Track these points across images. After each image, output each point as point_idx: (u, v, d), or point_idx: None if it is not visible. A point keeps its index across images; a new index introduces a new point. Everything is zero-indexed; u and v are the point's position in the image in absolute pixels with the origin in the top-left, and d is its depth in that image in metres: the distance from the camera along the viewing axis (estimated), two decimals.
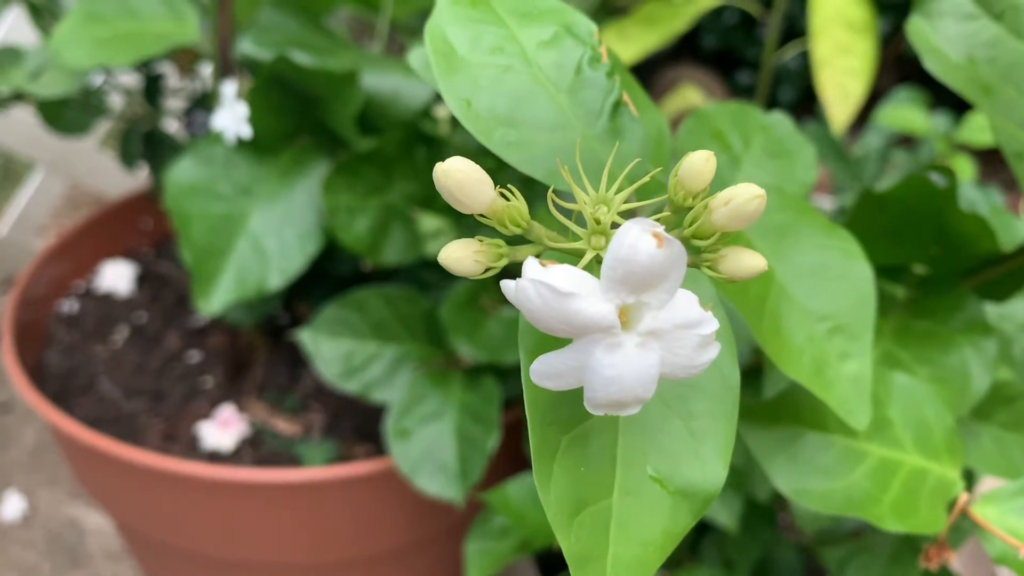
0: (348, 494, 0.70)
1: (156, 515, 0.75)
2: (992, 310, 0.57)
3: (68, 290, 0.92)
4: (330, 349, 0.68)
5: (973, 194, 0.86)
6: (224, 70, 0.69)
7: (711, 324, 0.21)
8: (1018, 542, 0.38)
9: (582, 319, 0.20)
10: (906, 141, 1.32)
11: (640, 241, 0.20)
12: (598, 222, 0.23)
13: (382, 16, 0.82)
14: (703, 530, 0.69)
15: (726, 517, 0.58)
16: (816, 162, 0.45)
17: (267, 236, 0.68)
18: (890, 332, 0.50)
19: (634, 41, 1.05)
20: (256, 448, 0.77)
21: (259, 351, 0.84)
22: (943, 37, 0.47)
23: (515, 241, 0.24)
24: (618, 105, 0.30)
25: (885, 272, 0.53)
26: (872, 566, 0.57)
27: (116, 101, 0.87)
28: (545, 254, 0.26)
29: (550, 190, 0.23)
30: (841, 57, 1.00)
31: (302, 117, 0.69)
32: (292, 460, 0.76)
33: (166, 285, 0.94)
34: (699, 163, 0.23)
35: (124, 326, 0.89)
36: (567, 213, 0.24)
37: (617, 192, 0.23)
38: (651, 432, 0.26)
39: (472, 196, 0.22)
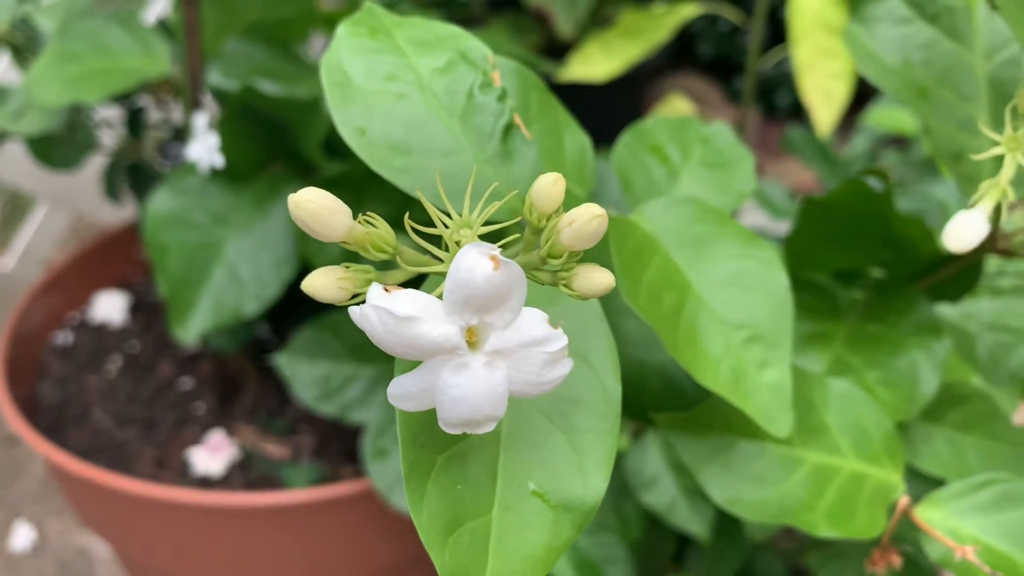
0: (333, 515, 0.71)
1: (149, 542, 0.76)
2: (956, 309, 0.57)
3: (62, 322, 0.94)
4: (307, 372, 0.69)
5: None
6: (195, 101, 0.71)
7: (558, 341, 0.22)
8: (956, 544, 0.38)
9: (425, 342, 0.21)
10: (897, 142, 1.31)
11: (477, 264, 0.20)
12: (459, 244, 0.23)
13: None
14: (686, 541, 0.69)
15: (698, 527, 0.59)
16: (753, 172, 0.45)
17: (242, 263, 0.69)
18: (843, 337, 0.50)
19: (618, 52, 1.06)
20: (246, 472, 0.78)
21: (249, 376, 0.85)
22: (879, 41, 0.47)
23: (386, 266, 0.24)
24: (509, 128, 0.30)
25: (841, 277, 0.53)
26: (845, 572, 0.57)
27: (107, 135, 0.89)
28: (432, 278, 0.26)
29: (406, 216, 0.23)
30: (823, 61, 1.00)
31: (274, 144, 0.71)
32: (282, 483, 0.77)
33: (158, 314, 0.95)
34: (547, 185, 0.23)
35: (117, 355, 0.90)
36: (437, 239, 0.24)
37: (481, 214, 0.24)
38: (534, 447, 0.26)
39: (327, 225, 0.23)
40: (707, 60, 1.79)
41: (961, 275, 0.49)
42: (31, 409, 0.83)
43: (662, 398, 0.57)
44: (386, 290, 0.21)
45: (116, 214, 1.22)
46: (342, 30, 0.32)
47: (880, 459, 0.41)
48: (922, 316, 0.48)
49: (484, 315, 0.21)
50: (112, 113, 0.88)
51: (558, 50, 1.41)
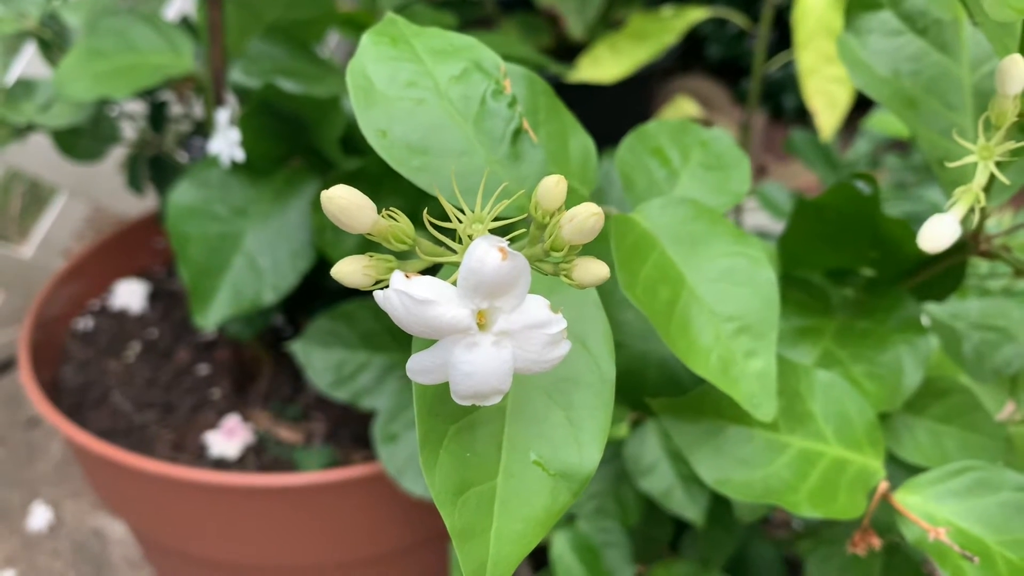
0: (344, 497, 0.74)
1: (166, 521, 0.79)
2: (945, 309, 0.60)
3: (84, 308, 0.97)
4: (321, 359, 0.71)
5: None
6: (218, 98, 0.73)
7: (558, 324, 0.24)
8: (931, 527, 0.41)
9: (440, 323, 0.24)
10: (898, 146, 1.33)
11: (487, 255, 0.23)
12: (471, 237, 0.26)
13: None
14: (683, 528, 0.72)
15: (693, 513, 0.61)
16: (749, 174, 0.48)
17: (261, 254, 0.72)
18: (832, 332, 0.52)
19: (626, 55, 1.09)
20: (260, 455, 0.81)
21: (264, 363, 0.88)
22: (870, 52, 0.50)
23: (405, 256, 0.27)
24: (518, 132, 0.33)
25: (834, 275, 0.56)
26: (832, 557, 0.59)
27: (129, 128, 0.92)
28: (447, 267, 0.29)
29: (424, 211, 0.26)
30: (827, 66, 1.02)
31: (293, 140, 0.73)
32: (294, 466, 0.80)
33: (177, 302, 0.98)
34: (551, 185, 0.26)
35: (136, 342, 0.93)
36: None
37: (492, 211, 0.26)
38: (535, 421, 0.29)
39: (355, 219, 0.26)
40: (715, 62, 1.81)
41: (946, 276, 0.52)
42: (54, 392, 0.86)
43: (660, 386, 0.59)
44: (406, 276, 0.23)
45: (133, 205, 1.25)
46: (366, 39, 0.35)
47: (862, 446, 0.44)
48: (908, 314, 0.51)
49: (493, 300, 0.24)
50: (135, 107, 0.91)
51: (569, 50, 1.44)
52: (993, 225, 0.65)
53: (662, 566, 0.67)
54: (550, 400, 0.29)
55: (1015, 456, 0.57)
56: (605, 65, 1.09)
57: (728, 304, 0.38)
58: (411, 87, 0.33)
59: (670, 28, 1.06)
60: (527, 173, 0.33)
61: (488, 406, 0.28)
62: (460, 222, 0.26)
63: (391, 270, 0.26)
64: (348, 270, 0.26)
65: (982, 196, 0.37)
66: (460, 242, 0.27)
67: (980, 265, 0.62)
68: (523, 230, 0.28)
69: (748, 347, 0.38)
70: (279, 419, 0.84)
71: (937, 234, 0.36)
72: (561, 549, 0.64)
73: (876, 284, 0.54)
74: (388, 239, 0.26)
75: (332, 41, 1.31)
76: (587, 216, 0.25)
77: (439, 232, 0.27)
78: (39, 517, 1.09)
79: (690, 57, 1.87)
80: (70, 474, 1.16)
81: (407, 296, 0.23)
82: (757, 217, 1.22)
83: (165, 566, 0.91)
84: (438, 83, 0.34)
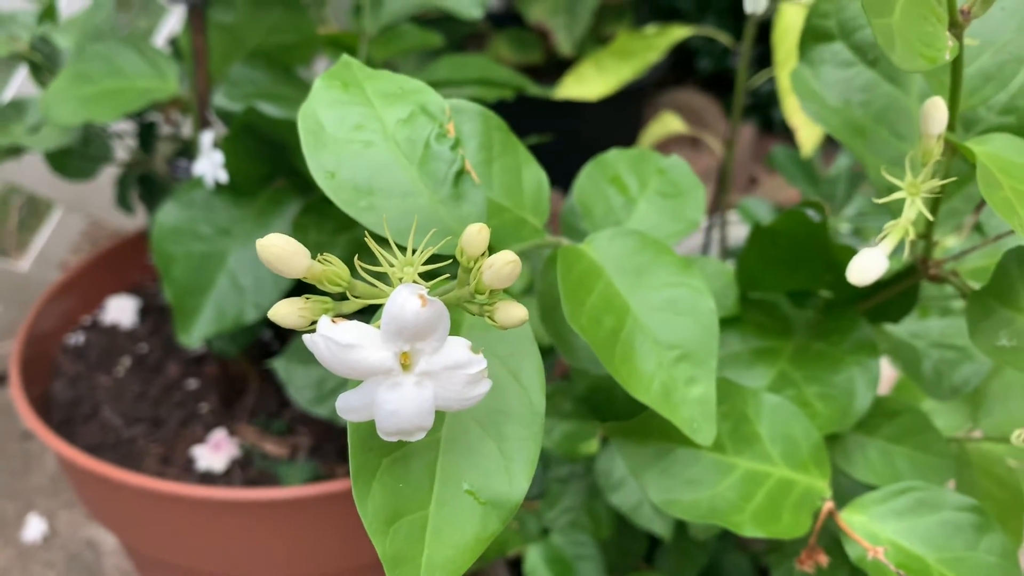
0: (326, 511, 0.75)
1: (154, 534, 0.81)
2: (905, 329, 0.61)
3: (76, 324, 0.99)
4: (302, 376, 0.73)
5: None
6: (202, 121, 0.75)
7: (478, 365, 0.26)
8: (872, 546, 0.42)
9: (364, 366, 0.25)
10: None
11: (407, 302, 0.25)
12: (401, 280, 0.28)
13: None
14: (657, 541, 0.73)
15: (661, 528, 0.63)
16: (704, 202, 0.50)
17: (244, 273, 0.73)
18: (789, 353, 0.54)
19: (611, 72, 1.10)
20: (245, 469, 0.83)
21: (251, 379, 0.90)
22: (823, 83, 0.51)
23: (342, 297, 0.29)
24: (460, 173, 0.35)
25: (793, 297, 0.57)
26: (798, 573, 0.61)
27: (120, 147, 0.94)
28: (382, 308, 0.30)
29: (355, 257, 0.28)
30: None
31: (276, 162, 0.75)
32: (279, 480, 0.81)
33: (167, 317, 1.00)
34: (474, 234, 0.28)
35: (127, 357, 0.95)
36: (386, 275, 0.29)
37: (424, 253, 0.28)
38: (468, 452, 0.31)
39: (289, 265, 0.27)
40: (706, 75, 1.83)
41: (900, 298, 0.53)
42: (45, 406, 0.88)
43: (630, 405, 0.61)
44: (333, 321, 0.25)
45: (129, 219, 1.27)
46: (318, 83, 0.36)
47: (808, 467, 0.45)
48: (861, 336, 0.53)
49: (415, 343, 0.26)
50: (126, 127, 0.93)
51: (559, 66, 1.45)
52: (954, 246, 0.66)
53: None
54: (483, 432, 0.31)
55: (972, 472, 0.58)
56: (590, 82, 1.10)
57: (670, 332, 0.40)
58: (359, 130, 0.35)
59: (654, 46, 1.07)
60: (468, 212, 0.35)
61: (423, 439, 0.30)
62: (392, 266, 0.28)
63: (327, 311, 0.28)
64: (284, 312, 0.28)
65: (911, 230, 0.39)
66: (392, 285, 0.28)
67: (945, 288, 0.64)
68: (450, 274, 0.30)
69: (689, 374, 0.40)
70: (265, 433, 0.86)
71: (864, 268, 0.37)
72: (535, 562, 0.66)
73: (833, 306, 0.56)
74: (323, 282, 0.28)
75: (320, 65, 1.32)
76: (504, 264, 0.27)
77: (374, 275, 0.28)
78: (34, 528, 1.10)
79: (682, 70, 1.88)
80: (65, 486, 1.18)
81: (332, 341, 0.25)
82: (741, 230, 1.23)
83: None
84: (386, 126, 0.35)
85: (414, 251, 0.28)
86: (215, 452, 0.84)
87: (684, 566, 0.69)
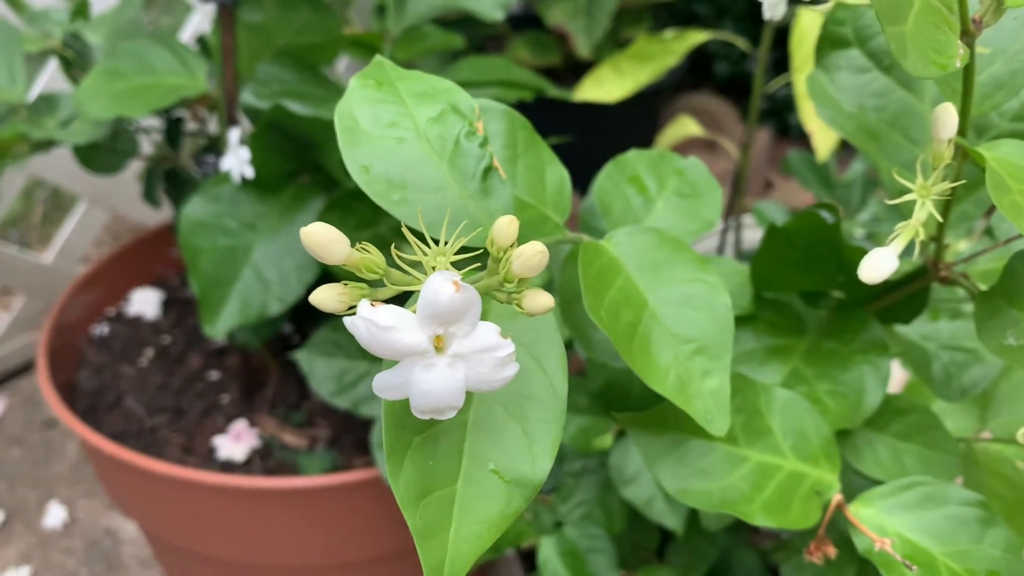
0: (344, 500, 0.77)
1: (174, 521, 0.82)
2: (916, 330, 0.62)
3: (101, 315, 1.01)
4: (324, 368, 0.75)
5: None
6: (230, 118, 0.77)
7: (507, 348, 0.28)
8: (879, 537, 0.44)
9: (401, 347, 0.27)
10: None
11: (442, 287, 0.26)
12: (434, 268, 0.29)
13: None
14: (668, 536, 0.74)
15: (673, 522, 0.64)
16: (720, 202, 0.51)
17: (268, 267, 0.75)
18: (801, 351, 0.55)
19: (629, 76, 1.12)
20: (265, 459, 0.85)
21: (271, 371, 0.92)
22: (838, 88, 0.53)
23: (378, 284, 0.30)
24: (489, 170, 0.36)
25: (807, 297, 0.59)
26: (807, 566, 0.62)
27: (146, 142, 0.96)
28: (415, 295, 0.32)
29: (392, 246, 0.29)
30: None
31: (301, 159, 0.77)
32: (297, 470, 0.83)
33: (190, 310, 1.02)
34: (504, 225, 0.29)
35: (150, 348, 0.97)
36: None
37: (455, 243, 0.30)
38: (494, 433, 0.32)
39: (330, 252, 0.29)
40: (723, 80, 1.84)
41: (910, 299, 0.55)
42: (70, 395, 0.90)
43: (645, 399, 0.62)
44: (372, 305, 0.27)
45: (150, 213, 1.30)
46: (354, 82, 0.38)
47: (818, 461, 0.47)
48: (872, 335, 0.54)
49: (448, 326, 0.27)
50: (153, 122, 0.95)
51: (577, 68, 1.47)
52: (965, 250, 0.67)
53: (646, 572, 0.70)
54: (508, 414, 0.32)
55: (979, 472, 0.60)
56: (608, 86, 1.12)
57: (687, 327, 0.41)
58: (393, 127, 0.37)
59: (672, 50, 1.09)
60: (496, 207, 0.36)
61: (452, 419, 0.32)
62: (425, 255, 0.29)
63: (363, 297, 0.30)
64: (324, 297, 0.29)
65: (921, 231, 0.40)
66: (426, 273, 0.30)
67: (957, 288, 0.65)
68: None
69: (704, 367, 0.41)
70: (285, 424, 0.88)
71: (876, 267, 0.39)
72: (548, 554, 0.67)
73: (845, 306, 0.57)
74: (360, 269, 0.30)
75: (342, 64, 1.34)
76: (533, 254, 0.28)
77: (408, 263, 0.30)
78: (54, 516, 1.13)
79: (700, 74, 1.90)
80: (85, 474, 1.20)
81: (371, 323, 0.26)
82: (756, 233, 1.25)
83: (174, 565, 0.94)
84: (418, 124, 0.37)
85: (446, 242, 0.30)
86: (235, 442, 0.85)
87: (695, 561, 0.71)
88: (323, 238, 0.29)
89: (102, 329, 1.00)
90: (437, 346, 0.28)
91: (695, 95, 1.77)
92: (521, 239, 0.42)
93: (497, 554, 0.69)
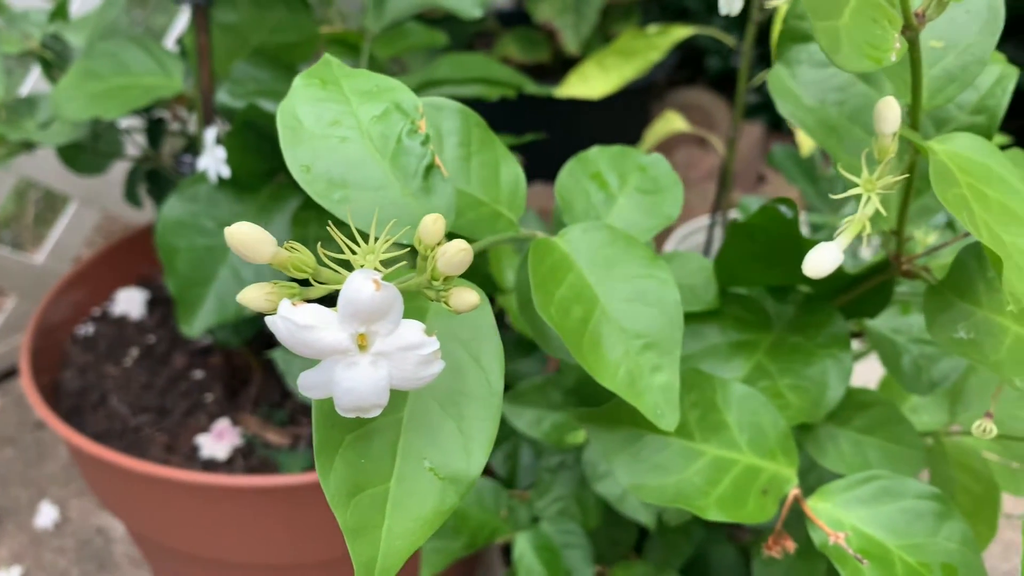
0: (323, 497, 0.77)
1: (158, 520, 0.83)
2: (885, 323, 0.62)
3: (86, 315, 1.01)
4: (300, 366, 0.75)
5: None
6: (207, 118, 0.77)
7: (431, 346, 0.28)
8: (834, 531, 0.44)
9: (321, 345, 0.27)
10: None
11: (362, 286, 0.26)
12: (362, 267, 0.29)
13: (362, 59, 0.90)
14: (646, 531, 0.75)
15: (645, 517, 0.64)
16: (681, 198, 0.51)
17: (245, 266, 0.75)
18: (766, 346, 0.55)
19: (613, 72, 1.12)
20: (247, 458, 0.85)
21: (254, 370, 0.92)
22: (799, 82, 0.53)
23: (308, 283, 0.31)
24: (430, 168, 0.36)
25: (774, 291, 0.59)
26: (779, 560, 0.62)
27: (129, 143, 0.96)
28: None
29: (318, 245, 0.30)
30: None
31: (277, 158, 0.76)
32: (279, 468, 0.83)
33: (174, 309, 1.02)
34: (430, 223, 0.29)
35: (135, 348, 0.97)
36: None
37: (387, 242, 0.30)
38: (429, 430, 0.32)
39: (256, 251, 0.29)
40: (715, 74, 1.84)
41: (874, 293, 0.55)
42: (54, 395, 0.90)
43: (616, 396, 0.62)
44: (293, 304, 0.27)
45: (141, 213, 1.30)
46: (298, 81, 0.38)
47: (775, 455, 0.47)
48: (836, 329, 0.54)
49: (370, 325, 0.27)
50: (136, 123, 0.95)
51: (566, 64, 1.47)
52: (934, 242, 0.67)
53: (622, 567, 0.70)
54: (443, 412, 0.33)
55: (947, 466, 0.60)
56: (593, 81, 1.12)
57: (637, 322, 0.42)
58: (336, 126, 0.37)
59: (655, 45, 1.08)
60: (436, 205, 0.36)
61: (387, 418, 0.32)
62: (355, 253, 0.30)
63: (293, 296, 0.30)
64: (252, 296, 0.29)
65: (868, 225, 0.40)
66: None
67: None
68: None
69: (654, 362, 0.41)
70: (267, 423, 0.88)
71: (819, 262, 0.39)
72: (523, 549, 0.68)
73: (812, 301, 0.57)
74: (288, 268, 0.30)
75: None
76: (456, 252, 0.28)
77: (342, 263, 0.30)
78: (46, 515, 1.13)
79: (693, 69, 1.89)
80: (77, 474, 1.20)
81: (290, 322, 0.26)
82: None
83: (160, 563, 0.95)
84: (361, 122, 0.37)
85: (377, 239, 0.30)
86: (218, 441, 0.86)
87: (670, 556, 0.71)
88: (247, 237, 0.29)
89: (87, 329, 1.00)
90: (361, 344, 0.28)
91: (688, 90, 1.77)
92: (475, 235, 0.43)
93: (471, 550, 0.69)
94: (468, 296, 0.29)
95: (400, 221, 0.35)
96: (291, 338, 0.27)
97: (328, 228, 0.29)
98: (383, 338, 0.28)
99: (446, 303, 0.30)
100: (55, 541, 1.12)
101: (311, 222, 0.75)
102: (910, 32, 0.38)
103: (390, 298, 0.27)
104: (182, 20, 1.26)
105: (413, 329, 0.28)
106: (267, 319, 0.27)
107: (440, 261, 0.29)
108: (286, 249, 0.30)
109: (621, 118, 1.54)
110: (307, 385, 0.28)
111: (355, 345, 0.28)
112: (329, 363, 0.28)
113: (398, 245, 0.32)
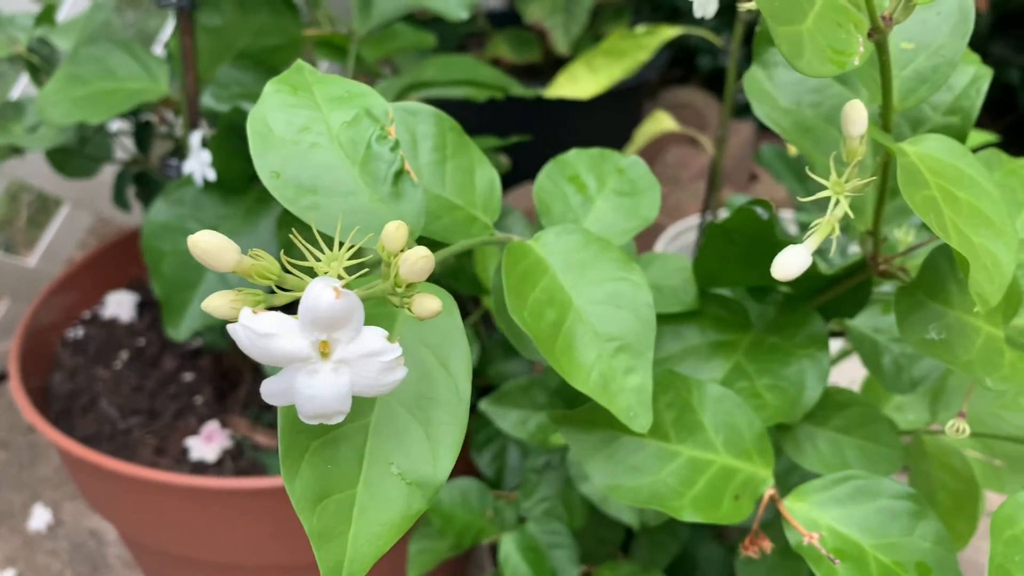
0: None
1: (147, 522, 0.83)
2: (866, 322, 0.63)
3: (76, 318, 1.02)
4: None
5: None
6: (192, 121, 0.78)
7: (393, 353, 0.28)
8: (808, 532, 0.44)
9: (281, 353, 0.27)
10: None
11: (322, 294, 0.27)
12: (326, 275, 0.30)
13: (348, 62, 0.90)
14: (632, 531, 0.75)
15: (629, 517, 0.64)
16: (659, 200, 0.51)
17: None
18: (745, 346, 0.55)
19: (602, 72, 1.12)
20: (236, 460, 0.85)
21: (243, 372, 0.92)
22: (775, 84, 0.53)
23: (275, 290, 0.31)
24: (400, 173, 0.37)
25: (754, 292, 0.59)
26: (761, 560, 0.62)
27: (120, 147, 0.96)
28: None
29: (281, 252, 0.30)
30: None
31: None
32: (268, 470, 0.84)
33: None
34: (392, 230, 0.30)
35: (125, 351, 0.98)
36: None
37: (352, 249, 0.30)
38: (396, 435, 0.33)
39: (218, 259, 0.29)
40: (707, 73, 1.84)
41: (852, 293, 0.55)
42: (44, 398, 0.91)
43: None
44: (254, 312, 0.27)
45: (134, 216, 1.30)
46: (268, 87, 0.38)
47: (751, 456, 0.47)
48: (814, 330, 0.54)
49: (331, 332, 0.28)
50: (125, 126, 0.96)
51: (558, 64, 1.47)
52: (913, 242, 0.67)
53: (608, 567, 0.70)
54: (411, 417, 0.33)
55: (928, 464, 0.60)
56: (581, 82, 1.12)
57: (610, 325, 0.42)
58: (306, 132, 0.37)
59: (643, 45, 1.08)
60: (406, 210, 0.37)
61: (355, 423, 0.32)
62: (319, 260, 0.30)
63: (258, 303, 0.30)
64: (217, 304, 0.30)
65: (837, 228, 0.40)
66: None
67: None
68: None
69: (627, 365, 0.41)
70: (256, 425, 0.88)
71: (787, 264, 0.39)
72: (508, 550, 0.68)
73: (791, 301, 0.58)
74: (252, 276, 0.30)
75: (323, 66, 1.34)
76: (417, 259, 0.29)
77: (306, 269, 0.30)
78: (39, 518, 1.13)
79: (686, 69, 1.90)
80: (69, 478, 1.20)
81: (250, 330, 0.27)
82: None
83: (151, 565, 0.95)
84: (331, 128, 0.37)
85: (342, 245, 0.30)
86: (207, 443, 0.86)
87: (656, 555, 0.71)
88: (210, 246, 0.29)
89: (77, 332, 1.00)
90: (323, 351, 0.28)
91: (680, 89, 1.77)
92: (450, 239, 0.43)
93: (457, 551, 0.69)
94: (430, 303, 0.30)
95: (369, 227, 0.35)
96: (252, 346, 0.27)
97: (292, 236, 0.30)
98: (345, 345, 0.28)
99: (409, 309, 0.30)
100: (48, 544, 1.12)
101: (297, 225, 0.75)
102: (878, 35, 0.38)
103: (351, 305, 0.27)
104: (171, 25, 1.26)
105: (375, 336, 0.28)
106: (228, 327, 0.27)
107: (402, 268, 0.29)
108: (250, 256, 0.30)
109: (613, 117, 1.54)
110: (269, 392, 0.29)
111: (317, 352, 0.28)
112: (291, 370, 0.28)
113: (371, 251, 0.32)
